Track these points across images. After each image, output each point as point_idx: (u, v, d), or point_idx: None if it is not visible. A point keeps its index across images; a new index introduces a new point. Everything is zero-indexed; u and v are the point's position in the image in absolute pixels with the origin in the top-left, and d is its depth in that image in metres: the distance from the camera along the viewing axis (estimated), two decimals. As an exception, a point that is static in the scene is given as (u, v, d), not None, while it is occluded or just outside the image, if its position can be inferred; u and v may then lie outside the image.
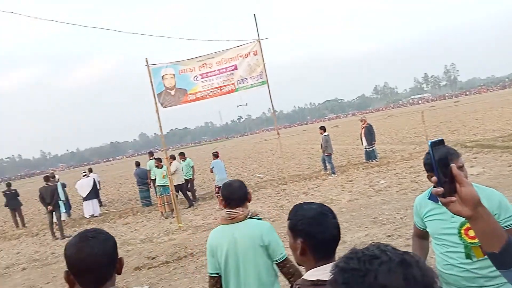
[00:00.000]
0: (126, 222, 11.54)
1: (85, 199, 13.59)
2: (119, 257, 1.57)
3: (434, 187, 1.09)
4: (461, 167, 2.04)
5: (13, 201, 14.56)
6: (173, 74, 9.31)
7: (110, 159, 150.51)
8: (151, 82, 9.15)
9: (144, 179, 13.60)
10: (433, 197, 2.25)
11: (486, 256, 1.14)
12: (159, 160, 11.84)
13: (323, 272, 1.40)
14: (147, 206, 13.33)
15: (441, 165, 1.06)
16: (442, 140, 1.09)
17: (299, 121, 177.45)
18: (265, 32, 9.51)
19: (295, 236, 1.53)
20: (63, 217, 12.31)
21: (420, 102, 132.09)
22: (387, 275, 0.73)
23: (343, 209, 8.38)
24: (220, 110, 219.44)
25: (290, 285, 1.68)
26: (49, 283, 7.11)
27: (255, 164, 22.19)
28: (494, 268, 1.14)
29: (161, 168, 11.51)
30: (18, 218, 14.32)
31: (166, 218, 10.97)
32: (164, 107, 9.30)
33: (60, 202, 11.43)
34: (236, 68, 9.41)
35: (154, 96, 9.17)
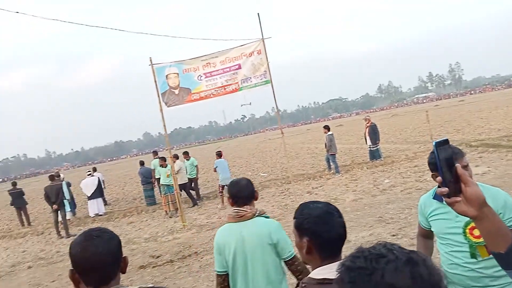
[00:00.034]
0: (130, 221, 11.58)
1: (90, 198, 13.65)
2: (124, 256, 1.58)
3: (439, 187, 1.09)
4: (465, 167, 2.04)
5: (18, 200, 14.65)
6: (177, 74, 9.33)
7: (114, 158, 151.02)
8: (155, 81, 9.17)
9: (148, 178, 13.65)
10: (437, 197, 2.24)
11: (491, 256, 1.13)
12: (163, 159, 11.87)
13: (329, 271, 1.40)
14: (151, 205, 13.38)
15: (446, 165, 1.06)
16: (447, 140, 1.09)
17: (303, 120, 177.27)
18: (267, 31, 9.49)
19: (301, 235, 1.54)
20: (68, 216, 12.37)
21: (424, 101, 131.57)
22: (394, 273, 0.73)
23: (347, 208, 8.36)
24: (224, 109, 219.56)
25: (297, 283, 1.68)
26: (54, 281, 7.15)
27: (259, 163, 22.19)
28: (499, 268, 1.14)
29: (165, 167, 11.54)
30: (23, 217, 14.41)
31: (170, 217, 11.00)
32: (168, 107, 9.32)
33: (65, 201, 11.49)
34: (240, 67, 9.41)
35: (158, 96, 9.19)
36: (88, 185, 13.82)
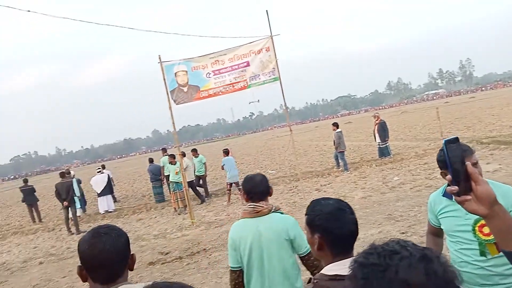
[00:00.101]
0: (139, 218, 11.67)
1: (100, 195, 13.77)
2: (132, 253, 1.58)
3: (449, 185, 1.08)
4: (475, 164, 2.02)
5: (29, 196, 14.84)
6: (186, 71, 9.35)
7: (123, 155, 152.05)
8: (164, 79, 9.20)
9: (157, 176, 13.73)
10: (447, 194, 2.23)
11: (501, 254, 1.12)
12: (172, 156, 11.93)
13: (341, 267, 1.41)
14: (160, 202, 13.46)
15: (456, 163, 1.05)
16: (457, 138, 1.08)
17: (311, 118, 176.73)
18: (276, 28, 9.45)
19: (313, 231, 1.54)
20: (78, 212, 12.51)
21: (434, 98, 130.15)
22: (408, 270, 0.72)
23: (356, 206, 8.33)
24: (232, 106, 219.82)
25: (309, 279, 1.69)
26: (65, 277, 7.24)
27: (267, 161, 22.19)
28: (509, 266, 1.13)
29: (174, 164, 11.60)
30: (34, 214, 14.60)
31: (179, 214, 11.06)
32: (177, 104, 9.35)
33: (75, 198, 11.62)
34: (248, 65, 9.40)
35: (167, 93, 9.23)
36: (98, 182, 13.94)
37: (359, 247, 0.84)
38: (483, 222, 2.03)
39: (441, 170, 2.24)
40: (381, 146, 14.28)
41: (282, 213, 2.59)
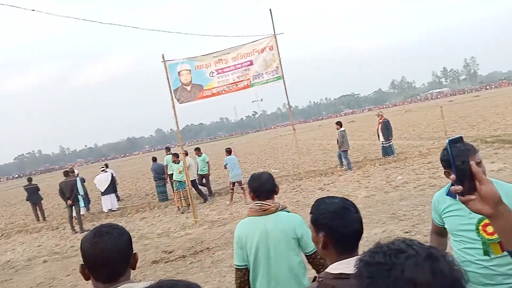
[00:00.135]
0: (143, 216, 11.70)
1: (104, 193, 13.82)
2: (134, 252, 1.59)
3: (452, 185, 1.07)
4: (478, 163, 2.01)
5: (34, 195, 14.90)
6: (189, 70, 9.35)
7: (127, 154, 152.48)
8: (168, 78, 9.21)
9: (160, 174, 13.76)
10: (451, 193, 2.23)
11: (504, 253, 1.12)
12: (176, 155, 11.95)
13: (346, 266, 1.41)
14: (163, 201, 13.49)
15: (460, 162, 1.04)
16: (461, 137, 1.07)
17: (315, 117, 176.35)
18: (278, 27, 9.43)
19: (317, 230, 1.54)
20: (82, 211, 12.56)
21: (438, 96, 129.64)
22: (414, 269, 0.72)
23: (360, 205, 8.27)
24: (235, 105, 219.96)
25: (313, 277, 1.69)
26: (69, 275, 7.27)
27: (270, 160, 22.19)
28: (513, 266, 1.12)
29: (178, 163, 11.62)
30: (38, 212, 14.67)
31: (182, 213, 11.08)
32: (180, 103, 9.36)
33: (79, 196, 11.65)
34: (251, 64, 9.40)
35: (171, 92, 9.23)
36: (102, 181, 13.98)
37: (363, 246, 0.84)
38: (486, 221, 2.03)
39: (444, 169, 2.24)
40: (384, 145, 14.24)
41: (288, 212, 2.59)
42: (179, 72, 9.31)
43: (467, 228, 2.14)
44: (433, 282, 0.71)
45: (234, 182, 11.28)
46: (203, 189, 12.83)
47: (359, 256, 0.83)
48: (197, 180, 12.63)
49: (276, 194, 2.62)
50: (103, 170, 14.54)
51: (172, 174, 12.08)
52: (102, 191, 13.86)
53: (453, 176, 1.06)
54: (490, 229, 2.03)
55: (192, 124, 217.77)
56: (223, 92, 9.48)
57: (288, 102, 9.83)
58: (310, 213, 1.61)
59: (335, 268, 1.46)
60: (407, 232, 6.13)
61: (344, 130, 13.38)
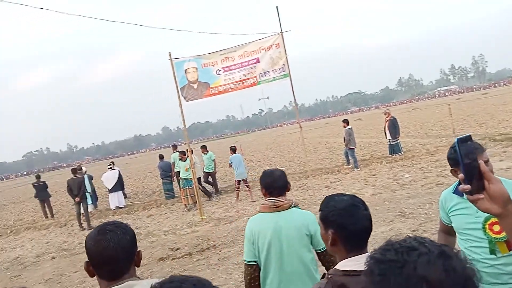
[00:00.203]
0: (150, 214, 11.77)
1: (111, 191, 13.91)
2: (138, 250, 1.59)
3: (460, 183, 1.07)
4: (486, 162, 1.99)
5: (42, 192, 15.04)
6: (196, 68, 9.37)
7: (134, 152, 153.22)
8: (174, 76, 9.24)
9: (167, 172, 13.81)
10: (458, 191, 2.22)
11: (511, 253, 1.11)
12: (183, 153, 11.99)
13: (355, 263, 1.41)
14: (170, 199, 13.55)
15: (468, 161, 1.04)
16: (470, 136, 1.07)
17: (321, 114, 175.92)
18: (284, 24, 9.40)
19: (326, 227, 1.55)
20: (90, 208, 12.66)
21: (446, 94, 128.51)
22: (426, 266, 0.72)
23: (367, 203, 8.23)
24: (242, 103, 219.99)
25: (323, 274, 1.69)
26: (77, 272, 7.34)
27: (276, 158, 22.16)
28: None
29: (184, 161, 11.65)
30: (47, 209, 14.80)
31: (189, 210, 11.12)
32: (187, 101, 9.38)
33: (87, 193, 11.76)
34: (258, 61, 9.39)
35: (177, 90, 9.26)
36: (109, 178, 14.07)
37: (370, 244, 0.84)
38: (493, 220, 2.02)
39: (451, 167, 2.23)
40: (391, 143, 14.16)
41: (300, 209, 2.58)
42: (185, 70, 9.33)
43: (474, 226, 2.13)
44: (446, 280, 0.70)
45: (240, 180, 11.29)
46: (209, 187, 12.85)
47: (369, 254, 0.82)
48: (202, 178, 12.67)
49: (288, 191, 2.62)
50: (111, 168, 14.63)
51: (179, 171, 12.14)
52: (110, 188, 13.95)
53: (461, 175, 1.05)
54: (496, 227, 2.02)
55: (198, 122, 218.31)
56: (230, 90, 9.48)
57: (295, 99, 9.81)
58: (319, 210, 1.61)
59: (345, 265, 1.46)
60: (414, 231, 6.10)
61: (351, 128, 13.33)
